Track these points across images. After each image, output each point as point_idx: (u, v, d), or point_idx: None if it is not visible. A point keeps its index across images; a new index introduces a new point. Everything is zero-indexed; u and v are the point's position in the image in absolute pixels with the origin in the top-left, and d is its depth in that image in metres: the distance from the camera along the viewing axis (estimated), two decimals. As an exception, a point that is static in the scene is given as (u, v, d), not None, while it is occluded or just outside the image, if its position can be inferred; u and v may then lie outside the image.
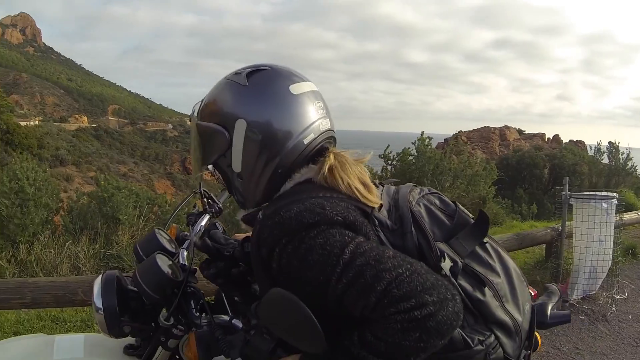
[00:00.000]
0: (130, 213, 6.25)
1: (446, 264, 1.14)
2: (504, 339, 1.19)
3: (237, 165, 1.24)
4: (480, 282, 1.19)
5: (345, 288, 1.00)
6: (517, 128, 48.32)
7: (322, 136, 1.27)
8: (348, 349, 1.03)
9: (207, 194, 1.67)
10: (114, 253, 5.53)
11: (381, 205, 1.21)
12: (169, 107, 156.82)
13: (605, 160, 21.92)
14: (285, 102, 1.22)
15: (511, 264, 1.34)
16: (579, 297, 5.04)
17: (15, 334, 3.23)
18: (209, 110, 1.28)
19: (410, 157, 9.80)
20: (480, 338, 1.14)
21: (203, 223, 1.56)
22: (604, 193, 5.16)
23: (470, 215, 1.33)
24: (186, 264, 1.37)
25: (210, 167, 1.33)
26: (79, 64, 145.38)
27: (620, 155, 21.24)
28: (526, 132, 48.09)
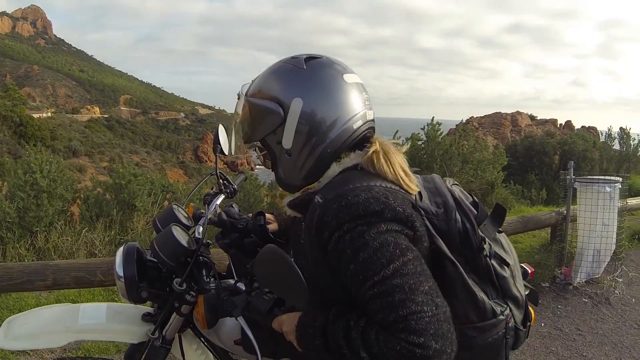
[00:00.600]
0: (145, 200, 6.40)
1: (487, 247, 1.32)
2: (515, 311, 1.38)
3: (288, 142, 1.31)
4: (504, 262, 1.37)
5: (373, 296, 1.09)
6: (529, 114, 47.93)
7: (367, 125, 1.36)
8: (348, 328, 1.13)
9: (223, 175, 1.87)
10: (129, 239, 5.65)
11: (420, 193, 1.31)
12: (181, 96, 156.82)
13: (617, 146, 21.84)
14: (339, 88, 1.32)
15: (512, 247, 1.51)
16: (583, 280, 5.11)
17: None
18: (265, 88, 1.34)
19: (420, 142, 9.91)
20: (502, 309, 1.32)
21: (218, 202, 1.75)
22: (607, 177, 5.22)
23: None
24: (201, 237, 1.51)
25: (257, 143, 1.41)
26: (90, 55, 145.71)
27: (631, 141, 21.16)
28: (538, 118, 47.69)
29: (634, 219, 8.24)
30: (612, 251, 5.21)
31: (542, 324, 4.21)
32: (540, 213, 6.07)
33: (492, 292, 1.33)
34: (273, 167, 1.41)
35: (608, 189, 4.90)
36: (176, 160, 67.53)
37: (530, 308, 1.89)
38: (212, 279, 1.50)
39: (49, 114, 69.68)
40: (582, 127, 39.83)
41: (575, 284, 5.05)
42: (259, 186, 8.85)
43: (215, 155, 1.87)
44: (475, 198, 1.47)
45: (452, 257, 1.25)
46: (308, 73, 1.32)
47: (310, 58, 1.35)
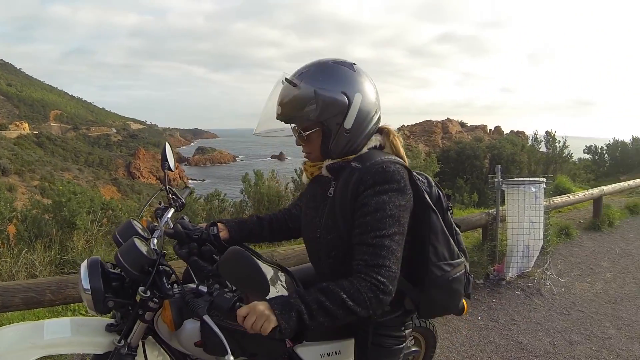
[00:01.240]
0: (84, 218, 6.29)
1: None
2: (466, 262, 1.96)
3: (348, 124, 1.69)
4: (457, 225, 2.01)
5: (369, 243, 1.58)
6: (460, 120, 49.25)
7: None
8: (323, 287, 1.54)
9: (172, 190, 2.02)
10: (69, 259, 5.54)
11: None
12: (112, 111, 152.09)
13: (543, 148, 23.00)
14: (375, 88, 1.79)
15: None
16: (515, 275, 5.45)
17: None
18: (332, 83, 1.67)
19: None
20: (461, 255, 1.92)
21: (169, 215, 1.89)
22: (532, 179, 5.55)
23: None
24: (157, 249, 1.63)
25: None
26: (18, 67, 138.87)
27: (556, 144, 22.34)
28: (468, 125, 49.11)
29: (561, 216, 8.81)
30: (541, 246, 5.56)
31: (479, 318, 4.47)
32: (471, 215, 6.35)
33: (455, 245, 1.88)
34: (325, 143, 1.73)
35: (533, 189, 5.25)
36: (109, 177, 65.57)
37: (464, 300, 2.15)
38: (174, 285, 1.62)
39: (-26, 131, 66.35)
40: (511, 131, 41.39)
41: (507, 279, 5.37)
42: (196, 199, 8.96)
43: (164, 171, 2.04)
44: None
45: (435, 209, 1.77)
46: (358, 75, 1.72)
47: (353, 63, 1.76)
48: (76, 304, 3.59)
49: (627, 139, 26.49)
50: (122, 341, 1.68)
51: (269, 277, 1.82)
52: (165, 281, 1.61)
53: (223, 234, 2.02)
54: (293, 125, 1.78)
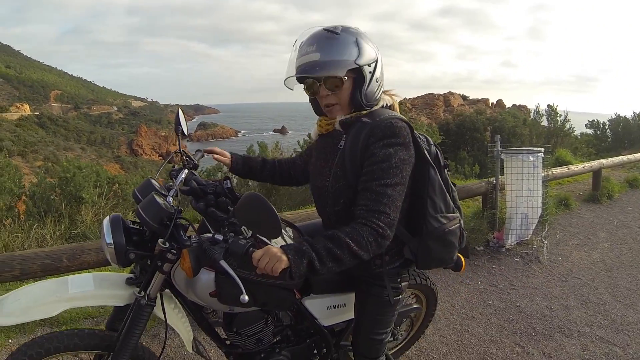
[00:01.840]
0: (91, 192, 6.41)
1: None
2: (461, 218, 2.10)
3: (379, 73, 1.85)
4: (453, 183, 2.11)
5: (373, 190, 1.71)
6: (461, 94, 49.03)
7: None
8: (329, 234, 1.65)
9: (185, 153, 2.15)
10: (79, 232, 5.68)
11: None
12: (113, 89, 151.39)
13: (545, 122, 23.01)
14: None
15: None
16: (514, 243, 5.59)
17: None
18: (362, 37, 1.82)
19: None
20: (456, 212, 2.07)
21: (183, 175, 2.01)
22: (530, 148, 5.63)
23: None
24: (174, 205, 1.76)
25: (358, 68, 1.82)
26: (17, 49, 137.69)
27: (558, 118, 22.36)
28: (470, 98, 48.90)
29: (561, 188, 8.91)
30: (539, 215, 5.68)
31: (479, 282, 4.62)
32: (471, 183, 6.43)
33: (451, 200, 2.03)
34: (353, 92, 1.84)
35: (531, 158, 5.35)
36: (112, 155, 65.64)
37: (462, 258, 2.29)
38: (192, 236, 1.74)
39: (-24, 115, 66.24)
40: (513, 105, 41.26)
41: (507, 246, 5.51)
42: (200, 173, 9.11)
43: (177, 135, 2.17)
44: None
45: (433, 164, 1.92)
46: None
47: None
48: (91, 271, 3.74)
49: (629, 114, 26.38)
50: (142, 292, 1.81)
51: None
52: (182, 233, 1.73)
53: (226, 161, 2.30)
54: (310, 80, 1.84)
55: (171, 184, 1.97)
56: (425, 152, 1.91)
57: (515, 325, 3.78)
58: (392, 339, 2.79)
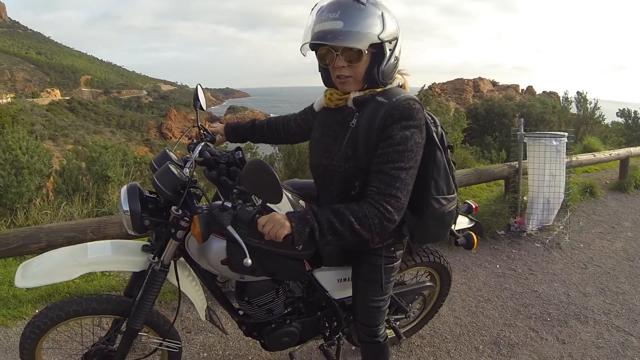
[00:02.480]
0: (118, 171, 6.55)
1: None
2: (457, 197, 2.12)
3: (398, 51, 1.80)
4: (453, 162, 2.09)
5: (386, 173, 1.69)
6: (492, 80, 48.42)
7: None
8: (334, 209, 1.66)
9: (203, 127, 2.22)
10: (106, 211, 5.80)
11: None
12: (143, 74, 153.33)
13: (574, 110, 22.61)
14: None
15: None
16: (535, 228, 5.54)
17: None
18: (387, 12, 1.75)
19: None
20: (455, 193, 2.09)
21: (199, 148, 2.08)
22: (554, 132, 5.53)
23: None
24: (189, 176, 1.83)
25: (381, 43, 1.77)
26: (47, 36, 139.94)
27: (588, 105, 21.96)
28: (500, 84, 48.28)
29: (588, 176, 8.77)
30: (562, 200, 5.61)
31: (498, 266, 4.60)
32: (493, 166, 6.36)
33: (452, 181, 2.04)
34: (370, 68, 1.78)
35: (554, 143, 5.26)
36: (141, 138, 66.65)
37: (475, 236, 2.32)
38: (204, 204, 1.80)
39: (9, 100, 67.86)
40: (544, 92, 40.55)
41: (528, 231, 5.46)
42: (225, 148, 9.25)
43: (196, 110, 2.25)
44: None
45: (440, 146, 1.92)
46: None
47: None
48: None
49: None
50: (156, 258, 1.89)
51: (289, 201, 2.01)
52: (195, 201, 1.81)
53: (220, 130, 2.41)
54: (327, 47, 1.76)
55: (188, 156, 2.04)
56: (434, 134, 1.90)
57: (531, 310, 3.77)
58: (403, 315, 2.83)
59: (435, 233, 2.06)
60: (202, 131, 2.27)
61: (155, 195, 1.90)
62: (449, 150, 2.04)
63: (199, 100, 2.25)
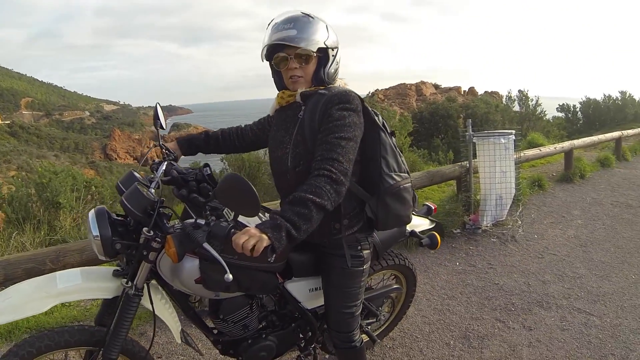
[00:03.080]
0: (69, 197, 6.36)
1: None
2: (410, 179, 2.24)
3: (339, 56, 2.09)
4: (400, 150, 2.23)
5: (329, 142, 1.84)
6: (434, 83, 49.36)
7: None
8: (294, 197, 1.71)
9: (165, 146, 2.22)
10: (59, 238, 5.64)
11: None
12: (84, 94, 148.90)
13: (517, 108, 23.47)
14: None
15: None
16: (490, 224, 5.73)
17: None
18: (334, 33, 2.05)
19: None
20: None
21: (164, 167, 2.07)
22: (501, 131, 5.74)
23: None
24: (157, 195, 1.82)
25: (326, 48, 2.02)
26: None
27: (529, 102, 22.84)
28: (442, 87, 49.27)
29: (535, 170, 9.13)
30: (513, 195, 5.81)
31: (457, 263, 4.74)
32: (444, 167, 6.50)
33: (404, 165, 2.21)
34: (316, 70, 2.04)
35: (503, 140, 5.46)
36: (86, 160, 64.72)
37: (438, 236, 2.40)
38: (175, 223, 1.80)
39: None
40: (485, 92, 41.68)
41: (483, 228, 5.65)
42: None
43: (157, 129, 2.24)
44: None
45: (383, 128, 2.10)
46: None
47: None
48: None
49: (599, 97, 26.86)
50: (129, 283, 1.85)
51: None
52: (165, 221, 1.80)
53: (176, 151, 2.41)
54: (283, 55, 2.01)
55: (152, 176, 2.01)
56: (376, 118, 2.10)
57: (495, 302, 3.91)
58: (374, 319, 2.89)
59: (397, 212, 2.15)
60: (164, 150, 2.26)
61: (123, 218, 1.88)
62: (392, 136, 2.22)
63: (159, 119, 2.24)
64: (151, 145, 2.37)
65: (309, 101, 2.02)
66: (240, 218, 1.86)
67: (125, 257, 1.90)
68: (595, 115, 25.71)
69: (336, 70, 2.09)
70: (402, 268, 2.90)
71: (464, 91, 46.35)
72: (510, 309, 3.80)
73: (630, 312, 3.77)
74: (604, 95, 26.40)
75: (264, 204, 2.49)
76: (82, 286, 1.86)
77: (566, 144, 8.83)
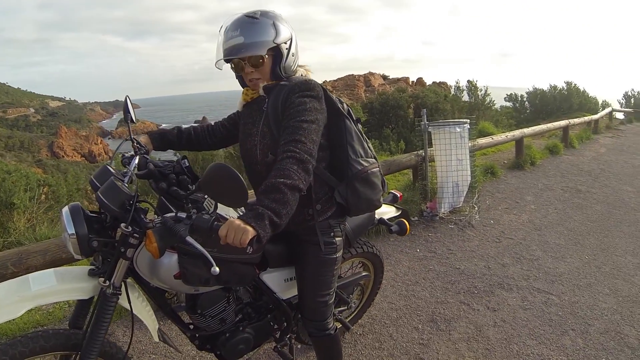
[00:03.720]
0: (23, 197, 6.17)
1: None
2: (378, 164, 2.31)
3: (294, 48, 2.11)
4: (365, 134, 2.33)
5: (292, 125, 1.88)
6: (382, 74, 49.80)
7: None
8: (267, 183, 1.71)
9: (136, 140, 2.19)
10: (13, 240, 5.46)
11: None
12: (28, 90, 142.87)
13: (466, 97, 24.02)
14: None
15: None
16: (447, 211, 5.88)
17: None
18: (278, 19, 2.05)
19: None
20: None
21: (136, 161, 2.04)
22: (456, 120, 5.88)
23: None
24: (133, 189, 1.79)
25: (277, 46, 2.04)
26: None
27: (478, 92, 23.42)
28: (391, 77, 49.76)
29: (486, 158, 9.38)
30: (469, 183, 5.98)
31: (418, 250, 4.86)
32: (401, 156, 6.60)
33: (368, 147, 2.29)
34: (273, 67, 2.07)
35: (458, 129, 5.62)
36: (32, 159, 62.30)
37: (406, 222, 2.47)
38: (155, 218, 1.77)
39: None
40: (434, 82, 42.35)
41: (440, 215, 5.80)
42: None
43: (127, 123, 2.21)
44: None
45: (347, 117, 2.18)
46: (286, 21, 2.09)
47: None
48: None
49: (545, 87, 27.71)
50: (107, 282, 1.79)
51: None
52: (143, 216, 1.74)
53: (147, 145, 2.33)
54: (237, 60, 2.05)
55: (125, 170, 1.96)
56: (339, 107, 2.16)
57: (458, 286, 4.04)
58: (345, 307, 2.95)
59: (367, 197, 2.20)
60: (135, 144, 2.20)
61: (97, 214, 1.83)
62: (358, 123, 2.29)
63: (129, 112, 2.20)
64: (123, 138, 2.32)
65: (272, 93, 2.07)
66: (219, 210, 1.85)
67: (102, 255, 1.86)
68: (542, 105, 26.50)
69: (294, 61, 2.13)
70: (370, 255, 2.96)
71: (412, 82, 46.92)
72: (474, 291, 3.94)
73: (586, 290, 4.00)
74: (550, 85, 27.29)
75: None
76: (57, 288, 1.78)
77: (517, 133, 9.13)
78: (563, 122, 11.91)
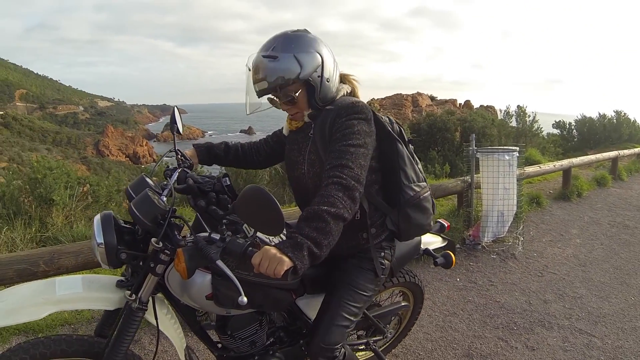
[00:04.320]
0: (63, 194, 6.22)
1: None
2: (428, 187, 2.21)
3: (328, 73, 1.95)
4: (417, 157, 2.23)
5: (339, 149, 1.79)
6: (430, 95, 49.58)
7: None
8: (308, 210, 1.61)
9: (181, 152, 2.11)
10: (50, 235, 5.52)
11: None
12: (79, 89, 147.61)
13: (514, 123, 23.57)
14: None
15: None
16: (490, 240, 5.66)
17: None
18: (302, 45, 1.90)
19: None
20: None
21: (177, 174, 1.95)
22: (506, 147, 5.71)
23: None
24: (167, 204, 1.70)
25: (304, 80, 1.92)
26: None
27: (527, 118, 22.95)
28: (438, 99, 49.49)
29: (532, 187, 9.11)
30: (514, 212, 5.76)
31: (458, 279, 4.66)
32: (447, 182, 6.46)
33: (421, 172, 2.19)
34: (309, 98, 1.96)
35: (507, 157, 5.43)
36: (78, 155, 64.02)
37: (452, 255, 2.32)
38: (187, 236, 1.67)
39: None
40: (481, 106, 41.91)
41: (483, 244, 5.59)
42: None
43: (173, 134, 2.13)
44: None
45: (399, 139, 2.06)
46: (315, 37, 1.95)
47: (305, 29, 1.97)
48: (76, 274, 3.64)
49: (594, 115, 27.06)
50: (133, 296, 1.72)
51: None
52: (176, 233, 1.66)
53: (193, 157, 2.29)
54: (270, 97, 2.00)
55: (165, 183, 1.89)
56: (390, 129, 2.06)
57: (497, 320, 3.85)
58: (381, 337, 2.80)
59: (419, 222, 2.12)
60: (179, 156, 2.14)
61: (131, 225, 1.75)
62: (410, 144, 2.20)
63: (176, 123, 2.15)
64: (168, 150, 2.26)
65: (318, 118, 1.98)
66: (260, 234, 1.74)
67: (131, 268, 1.79)
68: (589, 134, 25.82)
69: (330, 87, 1.99)
70: (412, 285, 2.83)
71: (460, 104, 46.55)
72: (513, 327, 3.74)
73: (631, 334, 3.74)
74: (599, 113, 26.59)
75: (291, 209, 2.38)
76: (82, 295, 1.73)
77: (565, 162, 8.83)
78: (612, 153, 11.48)
